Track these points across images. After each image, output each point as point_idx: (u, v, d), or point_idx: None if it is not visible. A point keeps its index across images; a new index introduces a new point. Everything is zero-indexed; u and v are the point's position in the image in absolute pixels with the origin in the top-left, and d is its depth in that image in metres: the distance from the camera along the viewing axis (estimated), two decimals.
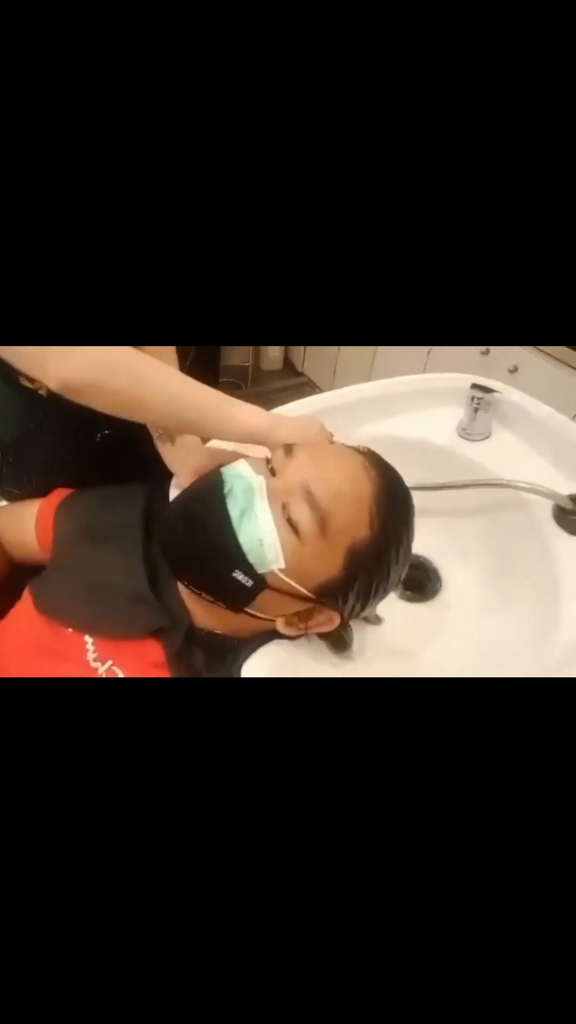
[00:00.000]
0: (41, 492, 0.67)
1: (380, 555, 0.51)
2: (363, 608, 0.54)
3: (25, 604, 0.58)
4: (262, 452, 0.56)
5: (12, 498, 0.71)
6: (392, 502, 0.52)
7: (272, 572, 0.49)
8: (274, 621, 0.52)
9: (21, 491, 0.70)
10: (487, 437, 0.71)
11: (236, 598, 0.50)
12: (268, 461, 0.53)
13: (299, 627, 0.53)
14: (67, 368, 0.48)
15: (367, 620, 0.62)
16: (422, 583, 0.71)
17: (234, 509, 0.49)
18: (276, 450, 0.54)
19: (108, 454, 0.68)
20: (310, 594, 0.50)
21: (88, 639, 0.54)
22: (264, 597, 0.50)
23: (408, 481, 0.56)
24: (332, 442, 0.60)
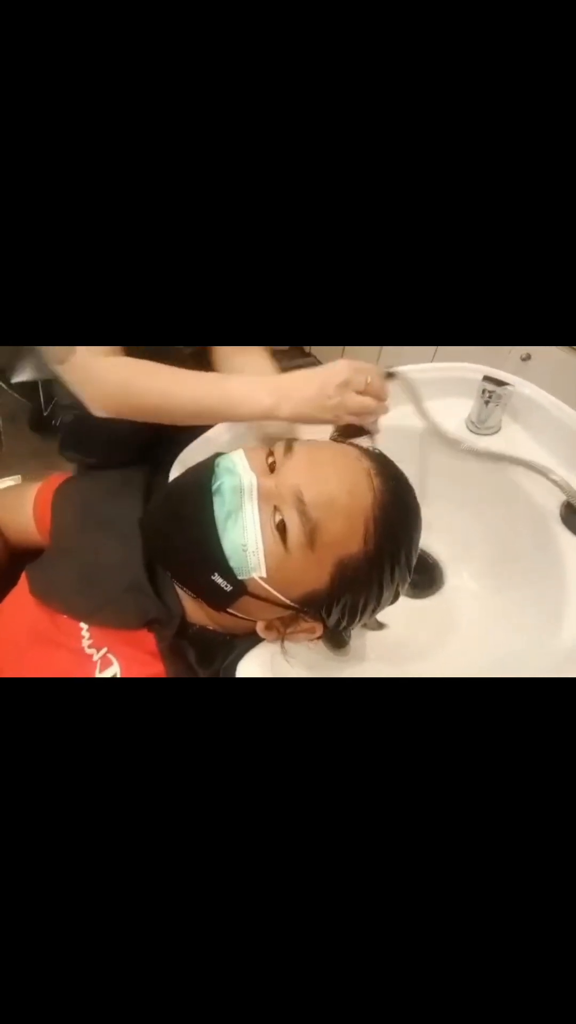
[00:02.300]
0: (103, 461, 0.69)
1: (372, 572, 0.48)
2: (350, 623, 0.52)
3: (22, 589, 0.58)
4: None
5: (75, 462, 0.73)
6: (393, 517, 0.48)
7: (253, 579, 0.47)
8: (256, 623, 0.51)
9: (83, 458, 0.72)
10: (496, 431, 0.69)
11: (215, 600, 0.49)
12: (268, 454, 0.51)
13: (280, 632, 0.51)
14: (98, 403, 0.58)
15: (365, 626, 0.60)
16: (425, 578, 0.70)
17: (220, 510, 0.47)
18: (277, 445, 0.51)
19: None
20: (292, 604, 0.48)
21: (83, 626, 0.53)
22: (245, 601, 0.48)
23: (412, 472, 0.53)
24: (368, 384, 0.54)
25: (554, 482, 0.59)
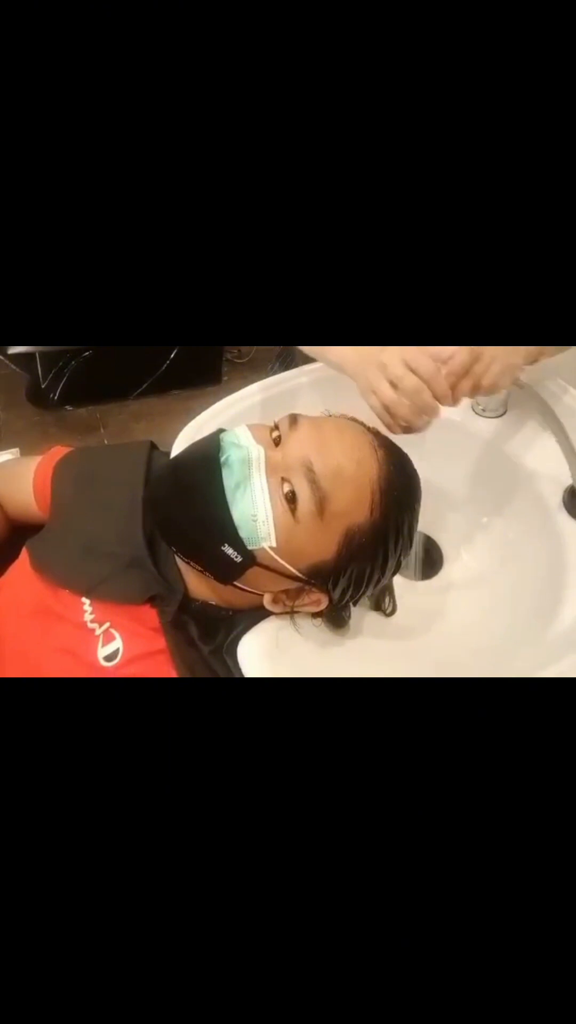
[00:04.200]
0: None
1: (378, 542, 0.49)
2: (355, 594, 0.53)
3: (23, 563, 0.58)
4: None
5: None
6: (397, 488, 0.50)
7: (263, 549, 0.47)
8: (262, 596, 0.51)
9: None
10: (501, 414, 0.68)
11: (223, 572, 0.49)
12: (272, 429, 0.51)
13: (286, 604, 0.52)
14: None
15: (380, 609, 0.61)
16: (424, 560, 0.70)
17: (229, 480, 0.47)
18: (281, 420, 0.52)
19: None
20: (300, 574, 0.49)
21: (85, 600, 0.54)
22: (252, 573, 0.49)
23: (415, 454, 0.53)
24: (399, 378, 0.50)
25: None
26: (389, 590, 0.61)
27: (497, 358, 0.51)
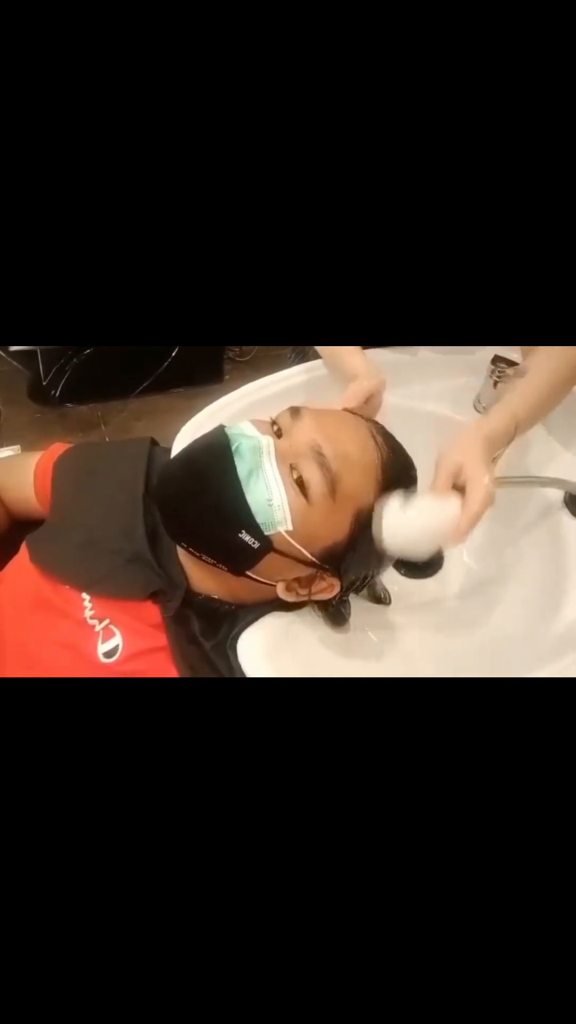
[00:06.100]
0: None
1: None
2: (364, 579, 0.54)
3: (23, 558, 0.57)
4: None
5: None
6: (399, 468, 0.52)
7: (279, 534, 0.48)
8: (274, 586, 0.52)
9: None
10: None
11: (240, 561, 0.49)
12: (273, 423, 0.52)
13: (299, 593, 0.52)
14: None
15: (379, 601, 0.61)
16: (425, 559, 0.70)
17: (242, 468, 0.48)
18: (281, 413, 0.52)
19: None
20: (314, 559, 0.50)
21: (85, 596, 0.53)
22: (268, 560, 0.49)
23: (416, 452, 0.54)
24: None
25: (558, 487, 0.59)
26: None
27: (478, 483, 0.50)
